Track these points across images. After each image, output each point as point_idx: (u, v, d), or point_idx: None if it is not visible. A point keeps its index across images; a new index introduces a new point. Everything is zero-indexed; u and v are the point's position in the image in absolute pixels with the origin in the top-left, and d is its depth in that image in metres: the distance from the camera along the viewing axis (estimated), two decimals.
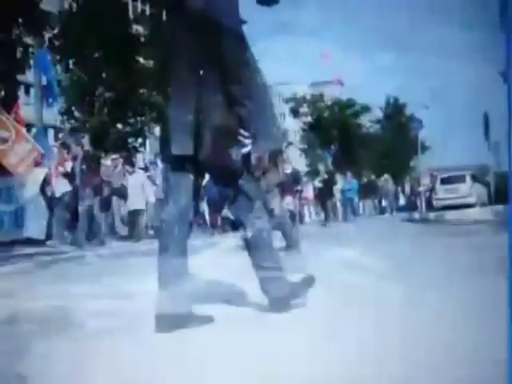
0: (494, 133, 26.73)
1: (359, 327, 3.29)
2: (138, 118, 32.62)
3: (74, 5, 32.84)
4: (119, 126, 31.66)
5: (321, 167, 29.52)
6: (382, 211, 31.61)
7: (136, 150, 31.98)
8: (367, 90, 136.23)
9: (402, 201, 34.80)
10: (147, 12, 40.72)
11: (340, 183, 27.98)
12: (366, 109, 60.11)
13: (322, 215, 26.23)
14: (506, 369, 1.81)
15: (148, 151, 39.36)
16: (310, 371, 2.55)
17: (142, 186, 17.62)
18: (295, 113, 58.01)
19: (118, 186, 18.18)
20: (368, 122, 63.67)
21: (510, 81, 1.74)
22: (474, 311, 3.39)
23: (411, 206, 30.19)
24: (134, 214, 17.48)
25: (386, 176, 31.80)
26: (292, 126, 61.23)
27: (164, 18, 38.88)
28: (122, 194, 18.10)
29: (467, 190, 29.23)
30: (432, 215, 23.49)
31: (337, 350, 2.84)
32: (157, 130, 34.91)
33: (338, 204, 27.81)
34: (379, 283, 4.63)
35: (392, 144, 60.01)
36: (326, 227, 22.45)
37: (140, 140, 33.05)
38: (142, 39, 35.88)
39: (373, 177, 31.95)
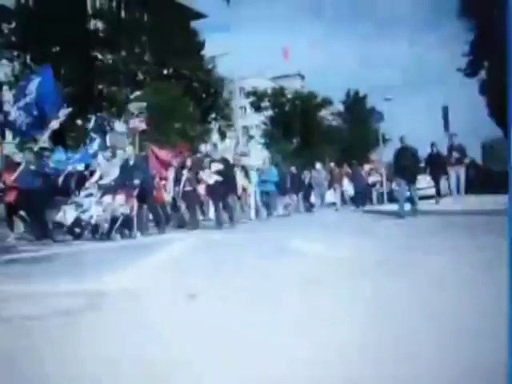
0: (454, 125, 26.96)
1: (354, 326, 3.29)
2: (98, 114, 32.38)
3: None
4: (79, 121, 31.37)
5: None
6: (311, 207, 26.17)
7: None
8: (328, 83, 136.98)
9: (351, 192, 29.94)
10: (106, 7, 40.39)
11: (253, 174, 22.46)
12: (327, 102, 60.22)
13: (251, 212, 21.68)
14: (505, 369, 1.84)
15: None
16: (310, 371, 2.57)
17: None
18: (256, 107, 57.94)
19: None
20: (329, 115, 63.91)
21: (510, 83, 1.78)
22: (473, 311, 3.41)
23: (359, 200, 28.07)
24: None
25: (318, 166, 27.13)
26: (253, 121, 61.23)
27: (123, 12, 38.91)
28: None
29: (428, 182, 29.37)
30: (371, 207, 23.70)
31: (338, 348, 2.85)
32: (117, 125, 34.70)
33: (252, 200, 22.05)
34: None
35: (353, 136, 60.48)
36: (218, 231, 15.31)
37: None
38: (101, 34, 35.68)
39: (292, 168, 26.11)
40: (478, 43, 34.09)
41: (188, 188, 16.98)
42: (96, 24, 35.90)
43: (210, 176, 16.54)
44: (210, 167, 16.69)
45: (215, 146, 35.52)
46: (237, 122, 52.14)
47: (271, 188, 22.13)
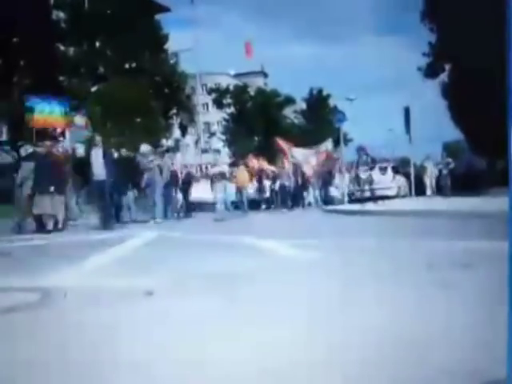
0: (414, 126, 26.81)
1: (354, 326, 3.18)
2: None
3: None
4: None
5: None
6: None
7: (55, 139, 31.13)
8: (292, 82, 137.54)
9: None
10: None
11: None
12: (290, 100, 60.31)
13: None
14: (505, 369, 1.82)
15: (68, 140, 38.52)
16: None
17: None
18: (219, 104, 57.70)
19: None
20: (292, 113, 63.93)
21: (510, 83, 1.70)
22: (473, 310, 3.36)
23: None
24: None
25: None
26: (215, 117, 60.96)
27: (86, 4, 38.34)
28: None
29: (388, 182, 29.54)
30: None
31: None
32: (77, 118, 34.19)
33: None
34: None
35: (315, 135, 60.54)
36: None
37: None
38: (63, 25, 35.13)
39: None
40: (440, 45, 34.33)
41: None
42: (58, 15, 35.29)
43: None
44: None
45: (177, 141, 35.06)
46: (198, 118, 51.81)
47: None
